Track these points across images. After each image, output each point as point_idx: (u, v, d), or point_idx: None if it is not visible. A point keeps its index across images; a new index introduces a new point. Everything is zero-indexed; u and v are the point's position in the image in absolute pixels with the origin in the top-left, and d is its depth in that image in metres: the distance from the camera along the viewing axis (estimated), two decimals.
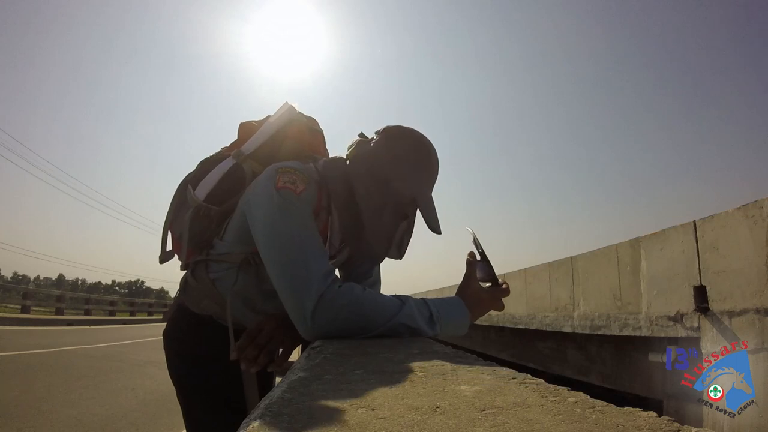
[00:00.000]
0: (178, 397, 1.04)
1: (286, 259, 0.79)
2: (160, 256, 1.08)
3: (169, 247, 1.08)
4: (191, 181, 1.04)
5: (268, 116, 1.08)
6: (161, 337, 1.10)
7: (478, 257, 0.93)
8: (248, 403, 0.95)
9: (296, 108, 1.08)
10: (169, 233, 1.08)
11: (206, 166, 1.06)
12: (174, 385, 1.04)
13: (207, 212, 0.99)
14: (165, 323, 1.11)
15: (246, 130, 1.09)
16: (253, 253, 0.91)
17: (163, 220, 1.07)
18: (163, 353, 1.08)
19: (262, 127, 1.06)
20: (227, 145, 1.12)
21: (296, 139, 1.05)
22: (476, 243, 0.94)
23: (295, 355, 0.95)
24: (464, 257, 0.95)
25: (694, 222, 2.93)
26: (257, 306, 0.97)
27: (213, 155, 1.09)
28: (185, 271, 1.05)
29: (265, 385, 1.04)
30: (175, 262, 1.08)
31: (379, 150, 0.93)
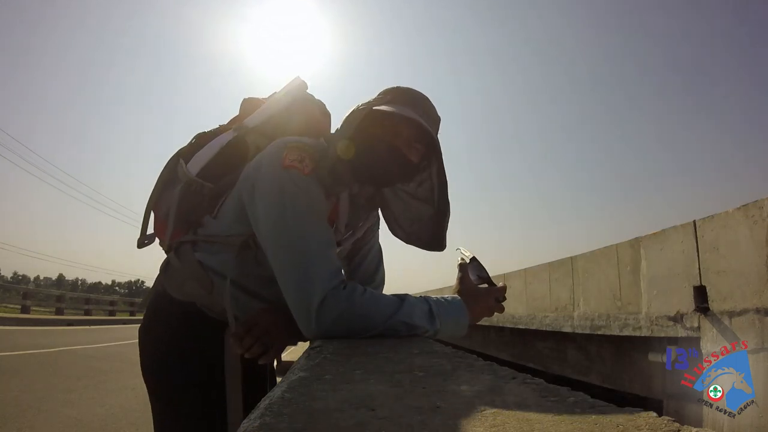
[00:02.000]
0: (150, 399, 0.93)
1: (291, 253, 0.74)
2: (138, 240, 0.98)
3: (150, 230, 0.99)
4: (184, 155, 0.96)
5: (274, 93, 1.01)
6: None
7: (468, 261, 0.93)
8: (228, 403, 0.89)
9: (307, 85, 1.01)
10: (153, 214, 0.99)
11: (202, 139, 0.98)
12: (147, 386, 0.94)
13: (199, 189, 0.92)
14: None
15: (250, 104, 1.01)
16: (252, 236, 0.83)
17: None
18: None
19: (271, 100, 0.98)
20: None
21: (307, 116, 0.98)
22: (463, 254, 0.94)
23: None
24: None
25: (694, 222, 2.93)
26: (252, 291, 0.89)
27: (211, 130, 1.01)
28: (168, 254, 0.96)
29: (264, 386, 1.02)
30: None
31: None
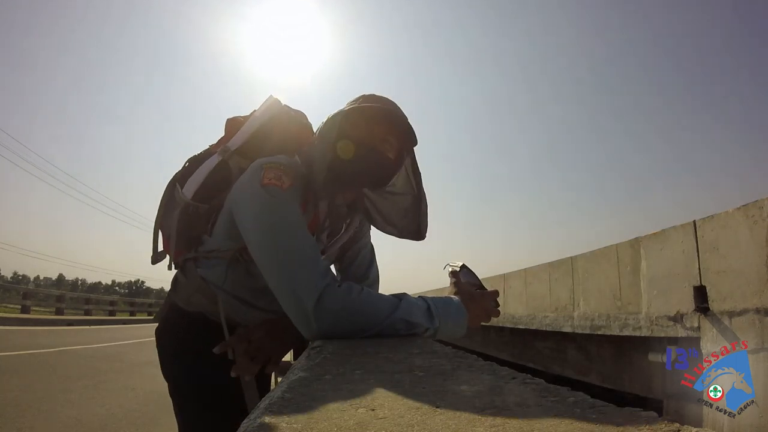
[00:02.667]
0: (172, 398, 1.02)
1: (280, 260, 0.77)
2: (152, 257, 1.06)
3: (160, 247, 1.07)
4: (179, 179, 1.03)
5: (254, 111, 1.07)
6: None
7: (458, 268, 0.95)
8: (248, 401, 0.94)
9: (281, 101, 1.06)
10: (160, 233, 1.06)
11: (193, 163, 1.04)
12: (168, 385, 1.03)
13: (195, 210, 0.98)
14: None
15: (233, 125, 1.07)
16: (241, 249, 0.89)
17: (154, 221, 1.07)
18: None
19: (247, 122, 1.04)
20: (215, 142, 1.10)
21: (282, 133, 1.03)
22: (453, 266, 0.96)
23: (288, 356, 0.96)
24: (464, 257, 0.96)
25: (694, 222, 2.93)
26: (249, 301, 0.96)
27: (201, 153, 1.07)
28: (176, 270, 1.05)
29: (262, 385, 1.04)
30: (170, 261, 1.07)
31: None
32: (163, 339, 1.06)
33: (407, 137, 0.92)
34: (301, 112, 1.10)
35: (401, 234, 1.04)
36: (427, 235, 1.03)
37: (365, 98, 0.94)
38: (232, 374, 0.88)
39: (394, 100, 0.95)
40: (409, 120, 0.95)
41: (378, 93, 0.97)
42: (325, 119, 0.93)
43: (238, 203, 0.86)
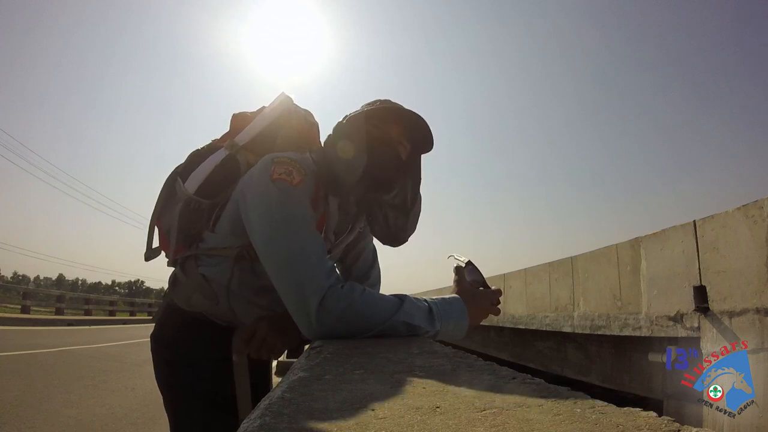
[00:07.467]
0: (165, 403, 0.99)
1: (286, 257, 0.76)
2: (145, 254, 1.03)
3: (156, 243, 1.03)
4: (181, 173, 0.99)
5: (263, 107, 1.05)
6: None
7: (464, 265, 0.94)
8: (240, 404, 0.93)
9: (293, 99, 1.05)
10: (156, 229, 1.03)
11: (197, 157, 1.01)
12: (161, 391, 1.00)
13: (198, 206, 0.95)
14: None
15: (239, 120, 1.04)
16: (247, 246, 0.87)
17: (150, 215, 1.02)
18: None
19: (258, 118, 1.02)
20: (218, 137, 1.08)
21: (293, 130, 1.02)
22: (458, 259, 0.96)
23: None
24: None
25: (694, 222, 2.93)
26: (251, 300, 0.94)
27: (203, 147, 1.04)
28: (174, 268, 1.02)
29: (263, 385, 1.03)
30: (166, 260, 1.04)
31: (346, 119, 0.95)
32: (159, 345, 1.02)
33: (425, 142, 0.95)
34: (309, 111, 1.10)
35: (383, 239, 1.03)
36: (407, 241, 1.03)
37: (382, 102, 0.95)
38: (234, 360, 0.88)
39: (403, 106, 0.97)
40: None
41: (379, 92, 0.98)
42: (343, 119, 0.93)
43: (245, 197, 0.83)
